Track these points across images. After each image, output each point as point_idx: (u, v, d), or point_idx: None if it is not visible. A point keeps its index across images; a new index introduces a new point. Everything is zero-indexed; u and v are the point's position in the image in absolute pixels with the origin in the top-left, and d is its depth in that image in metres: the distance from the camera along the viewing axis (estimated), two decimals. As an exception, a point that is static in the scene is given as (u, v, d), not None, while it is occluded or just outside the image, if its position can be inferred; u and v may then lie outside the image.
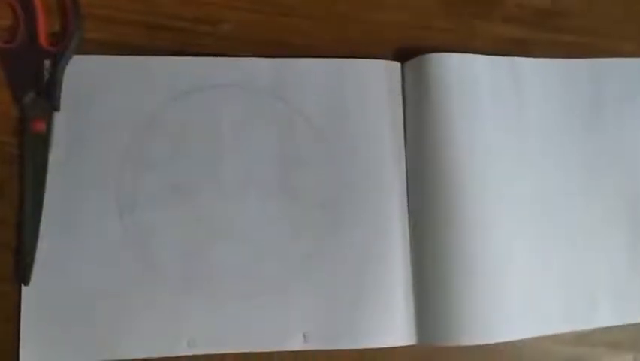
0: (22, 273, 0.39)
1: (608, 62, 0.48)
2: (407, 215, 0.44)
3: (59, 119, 0.41)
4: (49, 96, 0.40)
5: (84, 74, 0.41)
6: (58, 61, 0.41)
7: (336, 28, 0.45)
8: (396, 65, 0.45)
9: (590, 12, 0.48)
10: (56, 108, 0.41)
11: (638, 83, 0.48)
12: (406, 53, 0.45)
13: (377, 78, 0.45)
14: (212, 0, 0.44)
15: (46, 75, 0.41)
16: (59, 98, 0.41)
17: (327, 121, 0.44)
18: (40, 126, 0.40)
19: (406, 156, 0.44)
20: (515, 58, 0.46)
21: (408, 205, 0.44)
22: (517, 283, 0.43)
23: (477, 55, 0.45)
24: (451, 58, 0.44)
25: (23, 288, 0.39)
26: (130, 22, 0.43)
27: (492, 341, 0.42)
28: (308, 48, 0.45)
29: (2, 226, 0.40)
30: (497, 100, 0.45)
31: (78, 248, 0.40)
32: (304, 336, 0.41)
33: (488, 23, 0.47)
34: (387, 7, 0.46)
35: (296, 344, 0.41)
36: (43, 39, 0.41)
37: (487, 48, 0.46)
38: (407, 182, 0.44)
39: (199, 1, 0.44)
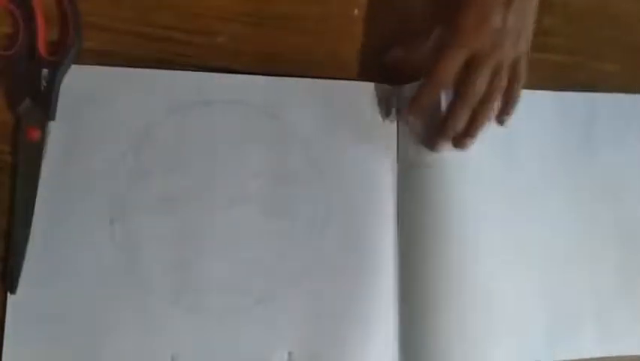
0: (9, 281, 0.38)
1: (601, 96, 0.49)
2: (396, 237, 0.44)
3: (54, 128, 0.41)
4: (45, 105, 0.40)
5: (81, 85, 0.42)
6: (56, 70, 0.41)
7: (330, 44, 0.46)
8: (390, 88, 0.46)
9: (574, 33, 0.50)
10: (52, 117, 0.41)
11: (630, 118, 0.50)
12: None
13: (371, 100, 0.45)
14: (207, 12, 0.45)
15: (44, 84, 0.41)
16: (55, 107, 0.41)
17: (320, 141, 0.44)
18: (35, 134, 0.40)
19: (397, 176, 0.45)
20: None
21: (397, 227, 0.44)
22: (501, 312, 0.43)
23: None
24: None
25: (9, 296, 0.38)
26: (127, 32, 0.43)
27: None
28: (302, 62, 0.45)
29: (-9, 232, 0.39)
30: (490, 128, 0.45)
31: (66, 257, 0.39)
32: (289, 354, 0.40)
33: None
34: (380, 28, 0.47)
35: None
36: (42, 48, 0.41)
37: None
38: (397, 203, 0.44)
39: (195, 14, 0.45)
